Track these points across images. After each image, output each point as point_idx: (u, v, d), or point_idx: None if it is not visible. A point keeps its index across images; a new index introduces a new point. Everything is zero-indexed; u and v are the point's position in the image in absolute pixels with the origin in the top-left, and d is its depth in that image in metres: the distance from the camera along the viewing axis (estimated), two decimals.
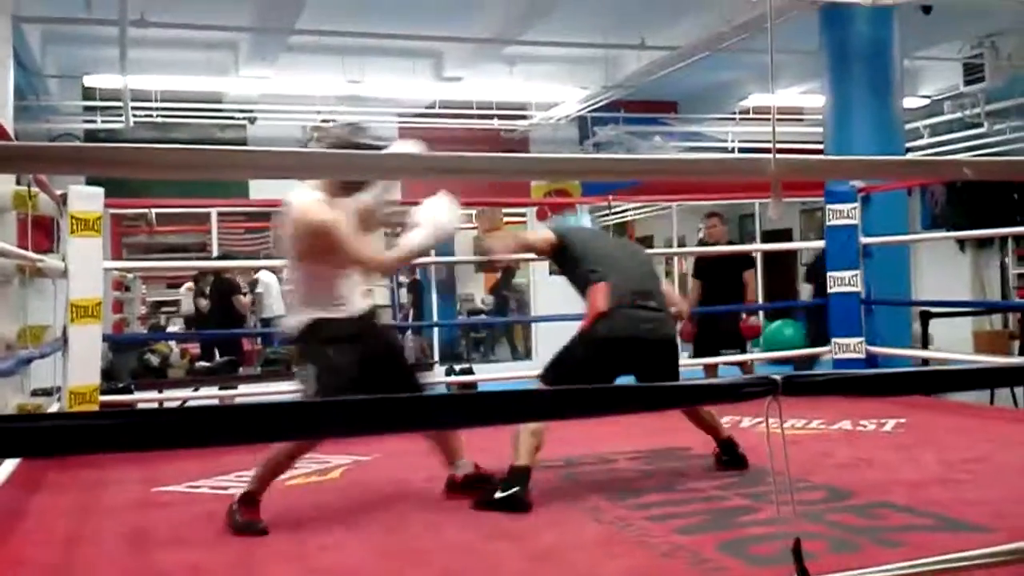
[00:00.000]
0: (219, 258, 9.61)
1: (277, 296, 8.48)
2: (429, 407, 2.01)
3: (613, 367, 3.63)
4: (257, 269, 8.71)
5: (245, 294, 8.52)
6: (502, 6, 8.48)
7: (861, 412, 4.98)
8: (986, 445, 4.27)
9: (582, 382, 2.97)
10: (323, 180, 3.24)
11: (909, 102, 10.50)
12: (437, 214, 3.42)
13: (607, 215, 16.60)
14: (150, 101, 9.80)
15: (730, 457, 3.89)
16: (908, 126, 10.09)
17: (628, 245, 3.95)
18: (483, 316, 15.40)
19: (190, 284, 9.57)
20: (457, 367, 9.21)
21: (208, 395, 6.02)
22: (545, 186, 12.05)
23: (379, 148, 3.37)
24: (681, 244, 13.36)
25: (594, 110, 11.23)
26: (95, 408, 4.67)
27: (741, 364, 7.06)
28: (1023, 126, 10.73)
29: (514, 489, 3.36)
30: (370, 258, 3.40)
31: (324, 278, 3.31)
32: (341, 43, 8.86)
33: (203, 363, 6.34)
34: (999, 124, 10.71)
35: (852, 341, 6.03)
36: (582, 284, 3.77)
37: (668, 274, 16.52)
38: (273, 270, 8.47)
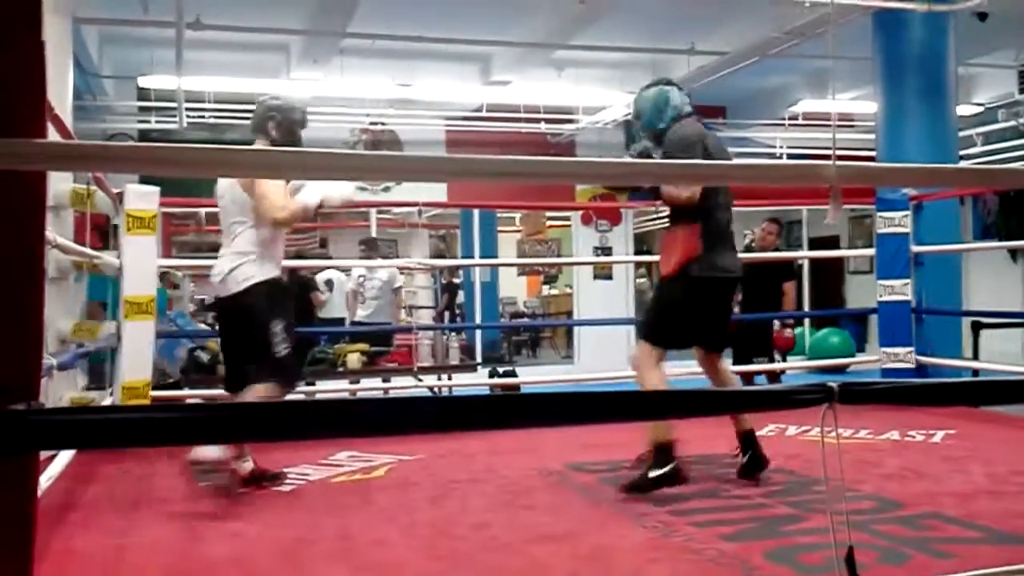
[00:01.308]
0: (293, 257, 9.72)
1: (340, 297, 8.55)
2: (460, 410, 2.03)
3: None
4: (320, 269, 8.78)
5: (322, 292, 8.62)
6: (551, 10, 8.49)
7: (909, 423, 4.91)
8: None
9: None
10: None
11: (963, 109, 10.34)
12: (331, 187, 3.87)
13: (654, 219, 16.58)
14: (203, 102, 9.94)
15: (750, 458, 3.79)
16: (961, 134, 9.94)
17: None
18: (525, 319, 15.45)
19: None
20: (501, 369, 9.23)
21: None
22: (591, 190, 12.04)
23: None
24: None
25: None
26: (147, 402, 4.76)
27: (768, 373, 7.05)
28: None
29: (668, 466, 3.52)
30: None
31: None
32: (391, 47, 8.93)
33: None
34: None
35: (902, 351, 5.95)
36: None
37: None
38: (342, 270, 8.58)
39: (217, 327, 3.94)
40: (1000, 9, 6.88)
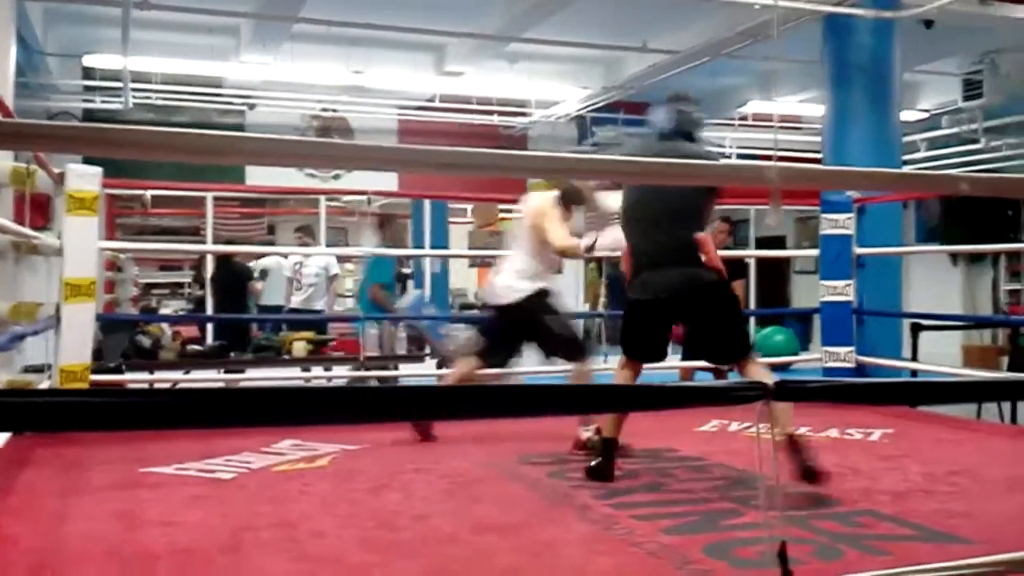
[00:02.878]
0: (225, 243, 9.62)
1: (279, 284, 8.48)
2: (406, 399, 2.02)
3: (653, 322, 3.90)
4: (259, 256, 8.71)
5: (257, 280, 8.55)
6: (506, 3, 8.49)
7: (849, 421, 5.00)
8: (971, 458, 4.30)
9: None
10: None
11: (908, 115, 10.55)
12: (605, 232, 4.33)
13: None
14: (150, 83, 9.78)
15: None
16: (906, 139, 10.13)
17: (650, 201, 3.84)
18: (475, 311, 15.41)
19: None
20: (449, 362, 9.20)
21: (199, 378, 6.03)
22: (543, 184, 12.05)
23: None
24: None
25: (594, 110, 11.26)
26: (85, 386, 4.67)
27: (715, 370, 7.14)
28: (1019, 143, 10.80)
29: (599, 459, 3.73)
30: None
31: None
32: (344, 33, 8.85)
33: (195, 346, 6.34)
34: (995, 140, 10.78)
35: (842, 350, 6.06)
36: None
37: None
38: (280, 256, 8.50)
39: (493, 323, 4.68)
40: (946, 18, 7.01)
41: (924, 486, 3.66)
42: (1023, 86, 9.86)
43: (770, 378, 3.27)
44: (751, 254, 10.52)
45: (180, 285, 12.52)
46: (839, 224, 6.12)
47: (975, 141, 10.90)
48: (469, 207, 14.25)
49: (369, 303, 7.23)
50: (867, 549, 2.79)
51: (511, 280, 4.53)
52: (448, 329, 7.06)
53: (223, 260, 8.53)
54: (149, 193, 9.63)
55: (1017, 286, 11.93)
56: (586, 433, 4.22)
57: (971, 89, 10.25)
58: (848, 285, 6.10)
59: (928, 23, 7.26)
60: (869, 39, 6.78)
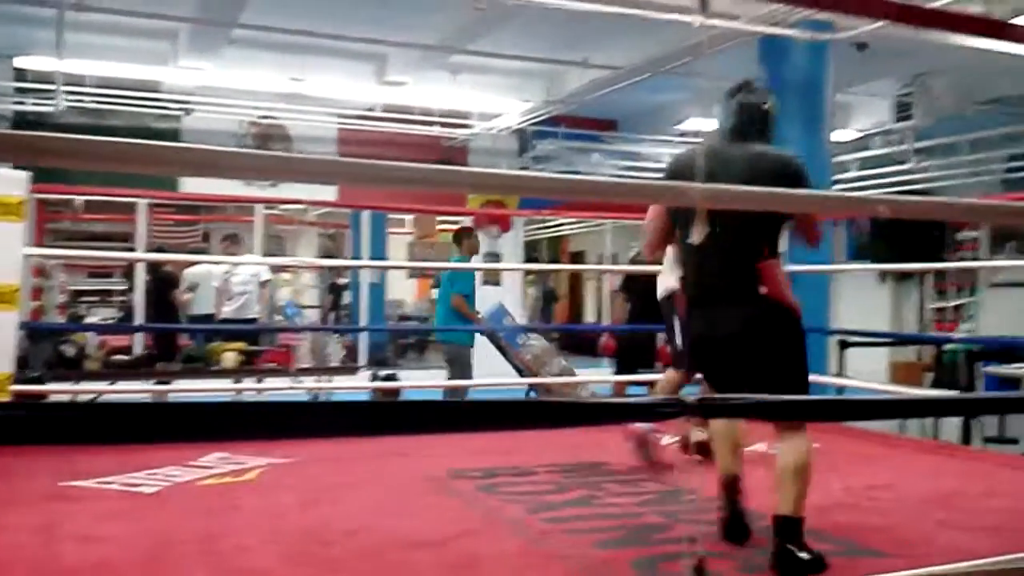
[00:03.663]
0: (156, 250, 9.47)
1: (210, 292, 8.35)
2: (343, 413, 2.01)
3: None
4: (190, 264, 8.57)
5: (187, 290, 8.42)
6: (448, 15, 8.50)
7: (775, 436, 5.06)
8: (891, 473, 4.39)
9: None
10: None
11: (841, 135, 10.78)
12: None
13: (543, 227, 16.73)
14: (83, 86, 9.58)
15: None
16: (839, 159, 10.37)
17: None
18: (412, 322, 15.38)
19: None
20: (383, 373, 9.16)
21: (124, 389, 5.90)
22: (481, 196, 12.08)
23: None
24: (613, 261, 13.53)
25: (535, 123, 11.31)
26: (5, 398, 4.54)
27: (650, 384, 7.21)
28: (947, 164, 11.10)
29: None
30: None
31: None
32: (283, 40, 8.78)
33: (121, 356, 6.21)
34: (925, 161, 11.06)
35: None
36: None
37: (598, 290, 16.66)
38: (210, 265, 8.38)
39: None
40: (879, 40, 7.19)
41: (846, 501, 3.73)
42: (952, 108, 10.15)
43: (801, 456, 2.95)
44: None
45: (110, 292, 12.28)
46: None
47: (905, 162, 11.17)
48: (409, 218, 14.24)
49: (450, 313, 7.30)
50: None
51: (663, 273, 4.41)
52: (526, 339, 7.05)
53: (152, 268, 8.41)
54: (81, 199, 9.46)
55: (943, 304, 12.24)
56: (698, 435, 4.04)
57: (902, 110, 10.51)
58: None
59: (861, 46, 7.43)
60: (803, 60, 6.91)
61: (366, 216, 11.65)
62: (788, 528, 2.82)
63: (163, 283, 8.34)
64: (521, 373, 7.27)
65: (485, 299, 12.15)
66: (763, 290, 2.91)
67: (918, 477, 4.34)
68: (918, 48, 7.91)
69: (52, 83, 8.82)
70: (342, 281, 12.54)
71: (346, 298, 12.46)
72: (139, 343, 8.77)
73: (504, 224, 12.44)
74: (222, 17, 8.32)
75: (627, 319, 7.74)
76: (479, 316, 7.47)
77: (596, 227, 14.41)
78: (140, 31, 8.89)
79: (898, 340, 9.45)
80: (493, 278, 12.41)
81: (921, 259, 9.68)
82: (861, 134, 11.75)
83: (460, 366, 6.91)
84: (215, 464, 4.26)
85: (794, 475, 2.89)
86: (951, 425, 6.61)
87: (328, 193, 9.69)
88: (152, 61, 9.49)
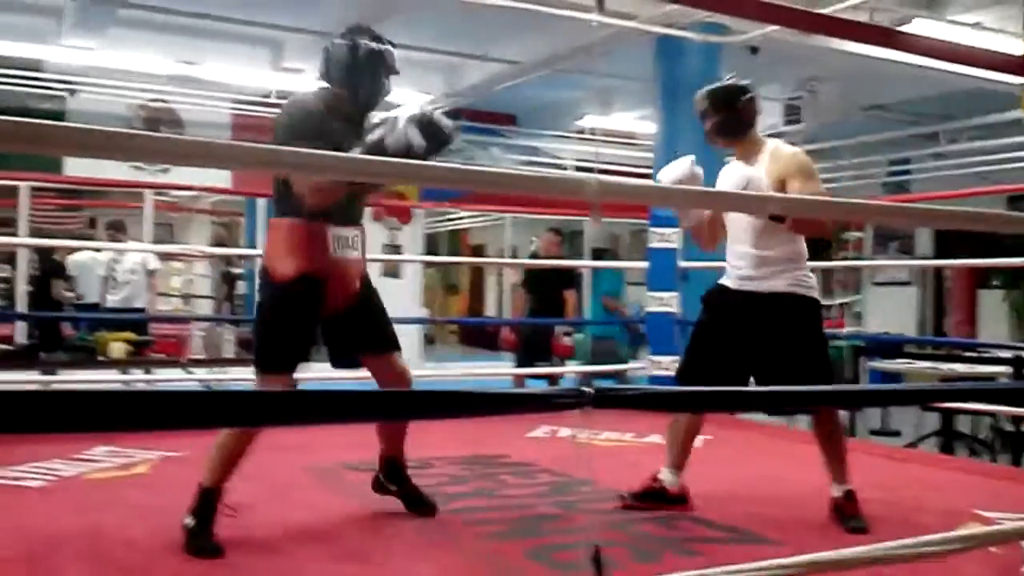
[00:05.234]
0: (42, 237, 9.10)
1: (94, 281, 8.07)
2: (239, 403, 1.96)
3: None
4: (73, 250, 8.25)
5: (65, 278, 8.13)
6: (347, 2, 8.38)
7: None
8: (782, 464, 4.54)
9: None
10: None
11: None
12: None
13: (444, 221, 16.69)
14: None
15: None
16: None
17: None
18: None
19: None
20: None
21: (6, 380, 5.64)
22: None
23: None
24: (513, 255, 13.58)
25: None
26: None
27: (550, 377, 7.29)
28: (835, 167, 11.52)
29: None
30: None
31: None
32: (175, 22, 8.51)
33: (2, 346, 5.95)
34: (815, 163, 11.44)
35: (666, 359, 6.27)
36: None
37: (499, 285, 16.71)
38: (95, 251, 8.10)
39: None
40: (770, 45, 7.39)
41: (737, 491, 3.83)
42: (839, 113, 10.51)
43: None
44: (582, 264, 10.75)
45: None
46: (665, 238, 6.34)
47: None
48: None
49: (602, 311, 7.63)
50: (681, 551, 2.90)
51: None
52: None
53: (40, 256, 8.10)
54: None
55: (829, 302, 12.70)
56: (840, 490, 3.37)
57: (792, 114, 10.84)
58: (673, 296, 6.33)
59: (754, 49, 7.64)
60: (698, 62, 7.06)
61: (262, 204, 11.40)
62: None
63: (50, 272, 8.03)
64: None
65: (386, 291, 12.09)
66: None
67: (807, 468, 4.46)
68: (808, 54, 8.17)
69: None
70: (236, 271, 12.24)
71: (240, 288, 12.17)
72: (21, 333, 8.41)
73: (404, 216, 12.35)
74: None
75: (527, 313, 7.81)
76: (626, 310, 7.75)
77: (497, 221, 14.44)
78: (23, 6, 8.51)
79: None
80: (392, 270, 12.31)
81: (809, 258, 9.99)
82: None
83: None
84: (102, 457, 4.12)
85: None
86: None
87: (222, 180, 9.45)
88: (35, 39, 9.08)
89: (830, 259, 11.81)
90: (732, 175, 3.29)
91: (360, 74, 3.06)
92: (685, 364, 3.54)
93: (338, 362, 3.23)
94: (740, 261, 3.42)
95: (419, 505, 3.28)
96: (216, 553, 2.77)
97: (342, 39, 3.11)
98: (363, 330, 3.14)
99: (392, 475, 3.35)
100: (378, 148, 2.78)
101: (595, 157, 11.33)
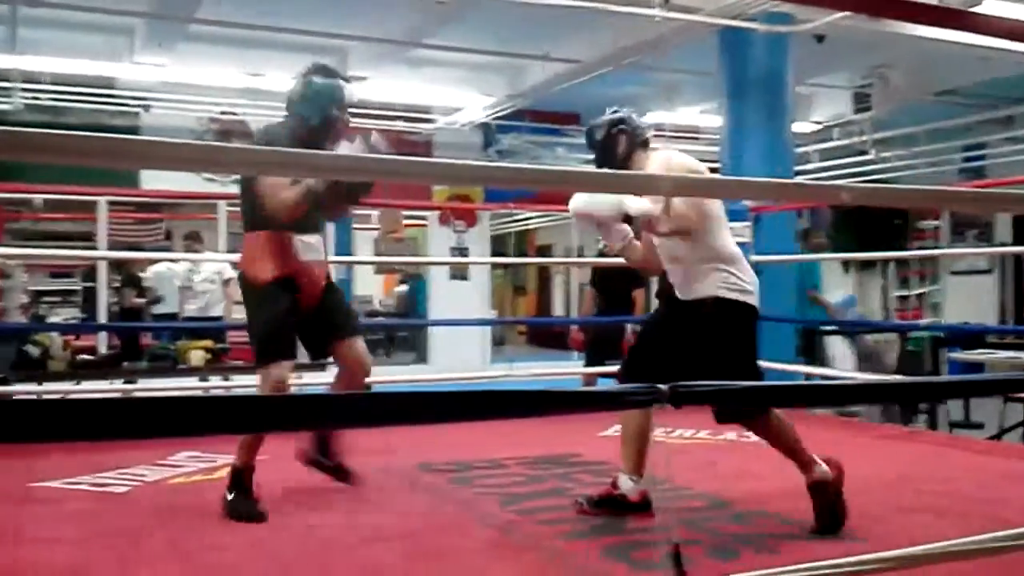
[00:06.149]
0: (127, 249, 9.44)
1: (173, 291, 8.29)
2: (314, 406, 2.00)
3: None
4: (152, 262, 8.48)
5: (140, 290, 8.37)
6: (409, 8, 8.46)
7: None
8: (860, 459, 4.44)
9: None
10: None
11: (801, 127, 10.88)
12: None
13: (510, 221, 16.73)
14: (39, 83, 9.43)
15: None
16: (800, 150, 10.46)
17: None
18: (380, 318, 15.32)
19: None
20: None
21: (90, 389, 5.82)
22: (447, 190, 12.06)
23: None
24: (580, 255, 13.56)
25: (498, 118, 11.30)
26: None
27: (618, 376, 7.24)
28: (907, 154, 11.25)
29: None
30: None
31: None
32: (243, 35, 8.69)
33: (86, 356, 6.13)
34: (884, 152, 11.20)
35: None
36: None
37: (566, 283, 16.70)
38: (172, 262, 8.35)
39: None
40: (837, 33, 7.26)
41: None
42: (909, 99, 10.28)
43: None
44: None
45: (71, 292, 12.11)
46: (737, 232, 6.26)
47: (865, 152, 11.30)
48: (375, 213, 14.17)
49: (809, 306, 7.56)
50: (760, 548, 2.87)
51: None
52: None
53: (119, 268, 8.36)
54: (40, 197, 9.32)
55: (906, 292, 12.41)
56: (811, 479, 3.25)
57: (861, 102, 10.62)
58: None
59: (820, 38, 7.51)
60: (763, 53, 6.97)
61: None
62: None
63: (125, 282, 8.30)
64: (863, 360, 7.36)
65: (454, 293, 12.19)
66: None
67: (887, 462, 4.40)
68: (876, 40, 8.00)
69: (7, 81, 8.68)
70: None
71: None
72: (104, 343, 8.68)
73: (471, 218, 12.42)
74: (179, 11, 8.22)
75: (596, 312, 7.78)
76: (832, 306, 7.73)
77: (563, 220, 14.42)
78: (96, 27, 8.76)
79: (863, 329, 9.56)
80: (460, 272, 12.40)
81: (883, 248, 9.81)
82: (821, 126, 11.87)
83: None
84: (185, 463, 4.23)
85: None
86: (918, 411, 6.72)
87: None
88: (108, 57, 9.35)
89: (905, 249, 11.57)
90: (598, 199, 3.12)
91: (309, 107, 3.47)
92: (626, 364, 3.45)
93: (316, 355, 3.75)
94: (670, 273, 3.34)
95: (344, 476, 3.70)
96: (261, 518, 3.21)
97: (300, 75, 3.62)
98: (330, 320, 3.54)
99: (322, 448, 3.73)
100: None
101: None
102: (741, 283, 3.17)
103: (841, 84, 10.55)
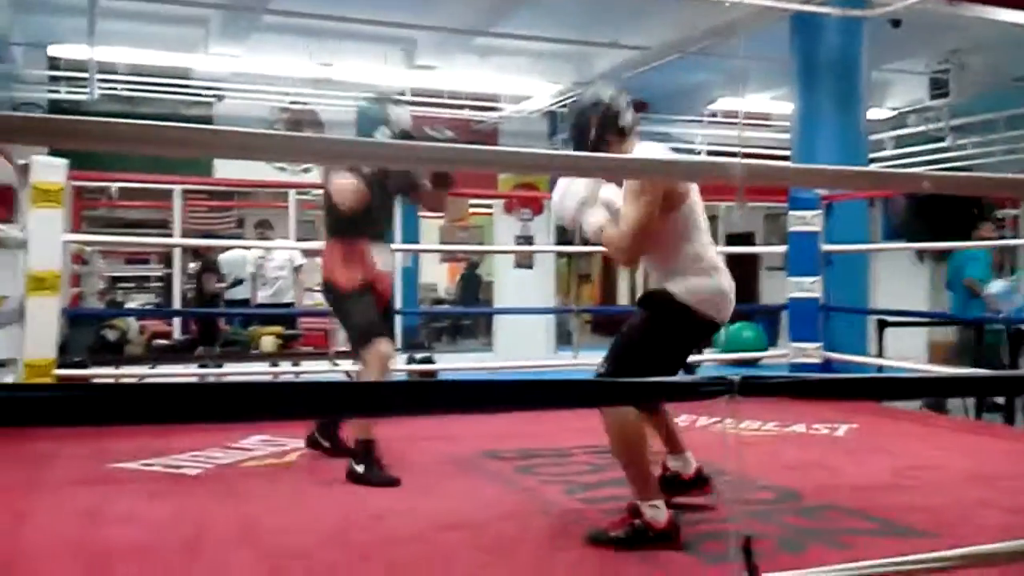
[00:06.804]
0: (203, 236, 9.68)
1: (245, 278, 8.45)
2: (381, 393, 2.02)
3: None
4: (224, 249, 8.66)
5: (220, 276, 8.56)
6: None
7: (815, 416, 5.05)
8: (933, 453, 4.36)
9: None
10: None
11: (876, 113, 10.64)
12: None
13: None
14: (116, 74, 9.66)
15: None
16: (874, 137, 10.22)
17: None
18: (445, 306, 15.42)
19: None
20: (418, 355, 9.19)
21: (165, 373, 5.97)
22: (513, 179, 12.07)
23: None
24: None
25: (565, 105, 11.26)
26: (50, 381, 4.62)
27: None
28: (985, 141, 10.93)
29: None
30: None
31: None
32: (313, 25, 8.79)
33: (162, 341, 6.29)
34: (962, 139, 10.90)
35: (810, 346, 6.11)
36: None
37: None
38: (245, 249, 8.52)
39: None
40: (913, 17, 7.08)
41: (887, 480, 3.71)
42: (989, 85, 9.99)
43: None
44: (720, 250, 10.57)
45: (147, 279, 12.41)
46: (807, 221, 6.18)
47: (941, 139, 11.02)
48: None
49: (965, 295, 7.60)
50: (830, 543, 2.82)
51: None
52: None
53: (197, 254, 8.56)
54: (116, 185, 9.55)
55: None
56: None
57: (938, 88, 10.34)
58: (815, 282, 6.16)
59: (896, 22, 7.32)
60: (837, 37, 6.82)
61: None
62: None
63: (204, 267, 8.49)
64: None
65: (519, 281, 12.21)
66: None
67: (960, 457, 4.29)
68: (953, 24, 7.79)
69: (85, 71, 8.91)
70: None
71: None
72: (178, 328, 8.89)
73: (536, 207, 12.42)
74: (252, 2, 8.35)
75: None
76: (991, 296, 7.59)
77: None
78: (171, 18, 8.94)
79: (938, 320, 9.33)
80: (526, 261, 12.41)
81: (959, 237, 9.54)
82: (896, 112, 11.60)
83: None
84: (256, 447, 4.31)
85: None
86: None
87: None
88: (183, 48, 9.54)
89: (981, 239, 11.24)
90: (574, 187, 3.03)
91: (368, 134, 3.84)
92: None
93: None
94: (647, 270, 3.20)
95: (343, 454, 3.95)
96: (397, 482, 3.58)
97: (363, 102, 4.21)
98: (388, 321, 4.05)
99: (323, 431, 4.16)
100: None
101: (738, 140, 11.09)
102: (696, 288, 2.94)
103: (918, 69, 10.28)
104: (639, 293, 3.65)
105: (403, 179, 3.94)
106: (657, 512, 2.82)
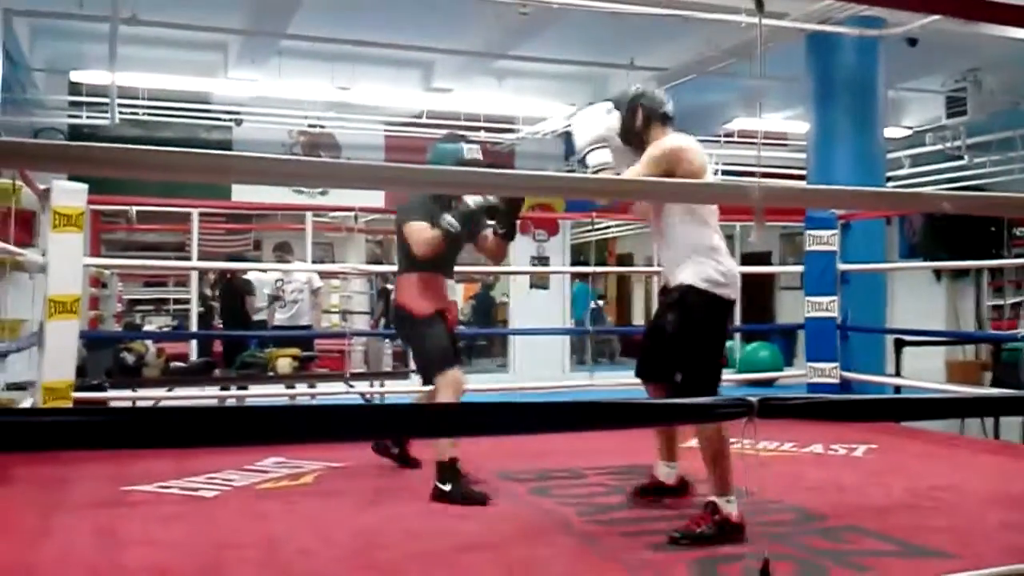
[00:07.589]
0: (232, 259, 9.74)
1: (263, 299, 8.49)
2: (390, 416, 2.02)
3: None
4: (243, 272, 8.70)
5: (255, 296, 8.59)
6: (493, 20, 8.51)
7: (833, 436, 5.02)
8: (953, 473, 4.32)
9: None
10: None
11: (892, 132, 10.61)
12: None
13: (590, 230, 16.66)
14: (136, 99, 9.75)
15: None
16: (890, 156, 10.18)
17: None
18: (461, 328, 15.40)
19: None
20: None
21: (182, 395, 5.98)
22: (528, 199, 12.08)
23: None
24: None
25: None
26: (69, 405, 4.64)
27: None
28: (1003, 160, 10.87)
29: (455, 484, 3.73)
30: None
31: None
32: (331, 49, 8.86)
33: (179, 363, 6.31)
34: (979, 157, 10.85)
35: (827, 366, 6.08)
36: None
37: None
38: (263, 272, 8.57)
39: None
40: (930, 36, 7.07)
41: (907, 501, 3.68)
42: (1006, 103, 9.95)
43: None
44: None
45: (164, 301, 12.48)
46: (823, 241, 6.16)
47: (959, 158, 10.97)
48: None
49: None
50: (849, 565, 2.80)
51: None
52: None
53: (222, 276, 8.60)
54: (134, 209, 9.63)
55: (1000, 301, 11.98)
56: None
57: (955, 106, 10.30)
58: (832, 301, 6.13)
59: (912, 41, 7.31)
60: (853, 57, 6.83)
61: None
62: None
63: (236, 291, 8.50)
64: None
65: (534, 302, 12.20)
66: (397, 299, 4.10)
67: (980, 477, 4.25)
68: (969, 42, 7.78)
69: (106, 97, 9.00)
70: (391, 287, 12.60)
71: None
72: (195, 350, 8.93)
73: (552, 228, 12.43)
74: (271, 27, 8.43)
75: None
76: None
77: (642, 229, 14.31)
78: (191, 43, 9.04)
79: (955, 339, 9.27)
80: (541, 282, 12.41)
81: (977, 256, 9.49)
82: (912, 131, 11.56)
83: None
84: (271, 468, 4.31)
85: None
86: (1012, 426, 6.47)
87: (376, 199, 9.75)
88: (203, 73, 9.63)
89: (1000, 257, 11.17)
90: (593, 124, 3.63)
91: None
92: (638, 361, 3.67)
93: (427, 380, 4.19)
94: (660, 258, 3.61)
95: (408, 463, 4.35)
96: (486, 499, 3.64)
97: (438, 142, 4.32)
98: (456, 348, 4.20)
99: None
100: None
101: (756, 160, 11.07)
102: (715, 275, 3.28)
103: (934, 88, 10.26)
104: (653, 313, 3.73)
105: (477, 228, 4.04)
106: (731, 506, 3.06)
